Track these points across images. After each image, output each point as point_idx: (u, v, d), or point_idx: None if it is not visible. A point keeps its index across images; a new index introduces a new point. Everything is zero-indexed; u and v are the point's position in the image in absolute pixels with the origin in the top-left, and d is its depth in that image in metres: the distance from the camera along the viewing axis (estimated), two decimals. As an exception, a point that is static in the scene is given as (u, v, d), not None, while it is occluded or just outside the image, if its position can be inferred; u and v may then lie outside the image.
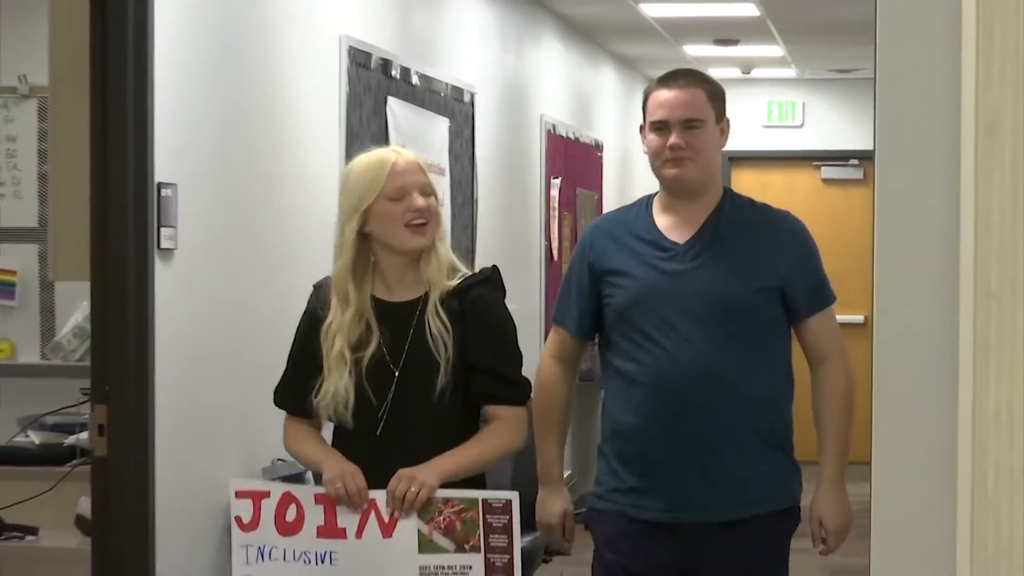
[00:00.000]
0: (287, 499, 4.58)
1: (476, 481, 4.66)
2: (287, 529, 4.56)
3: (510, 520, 4.45)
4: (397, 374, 4.61)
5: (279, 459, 6.07)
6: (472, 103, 9.92)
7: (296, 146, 6.92)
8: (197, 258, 5.95)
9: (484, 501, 4.48)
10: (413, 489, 4.44)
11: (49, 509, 6.12)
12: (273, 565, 4.57)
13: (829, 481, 4.78)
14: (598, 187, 13.05)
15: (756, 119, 15.83)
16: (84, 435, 6.16)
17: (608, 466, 4.83)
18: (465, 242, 9.73)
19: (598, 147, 13.22)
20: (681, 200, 4.79)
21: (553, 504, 4.91)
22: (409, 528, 4.47)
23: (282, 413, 4.87)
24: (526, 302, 10.66)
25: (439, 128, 9.26)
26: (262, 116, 6.71)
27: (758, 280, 4.72)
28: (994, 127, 2.78)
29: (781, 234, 4.83)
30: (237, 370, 6.16)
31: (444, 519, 4.46)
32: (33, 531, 6.10)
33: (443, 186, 9.29)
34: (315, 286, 4.82)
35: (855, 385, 4.77)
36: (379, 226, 4.62)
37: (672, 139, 4.71)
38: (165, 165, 5.71)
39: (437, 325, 4.59)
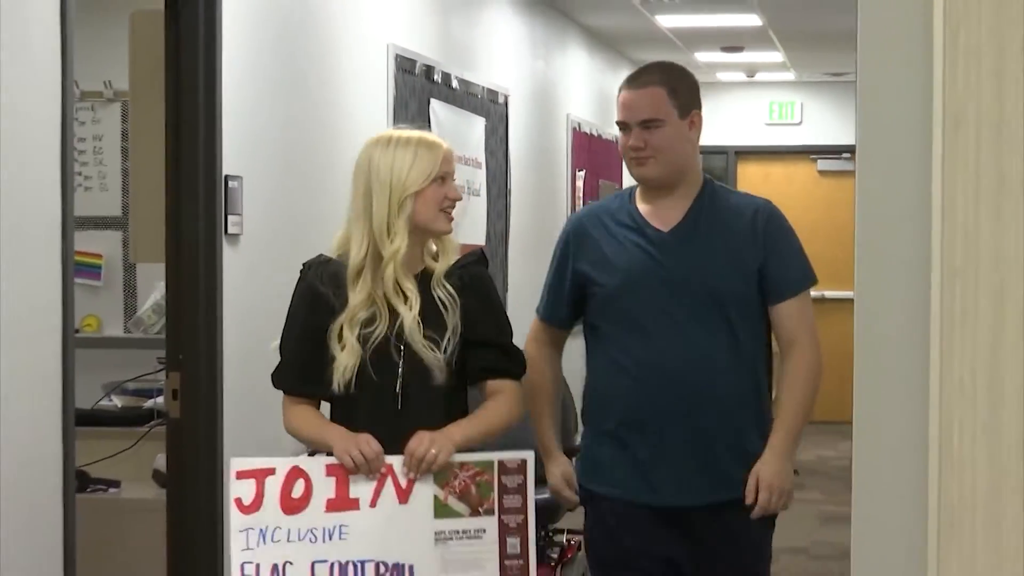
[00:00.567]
0: (294, 474, 4.02)
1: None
2: (292, 507, 4.00)
3: (524, 480, 4.05)
4: (404, 349, 4.10)
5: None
6: (506, 104, 9.92)
7: (348, 143, 6.90)
8: (260, 242, 5.96)
9: (500, 462, 4.05)
10: (433, 451, 3.98)
11: (129, 465, 6.15)
12: (276, 547, 3.99)
13: (774, 449, 4.29)
14: (618, 178, 13.06)
15: (759, 118, 15.78)
16: (160, 399, 6.20)
17: (594, 448, 4.46)
18: (500, 228, 9.72)
19: (617, 143, 13.20)
20: (658, 192, 4.41)
21: (555, 467, 4.46)
22: (425, 493, 4.01)
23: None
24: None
25: (476, 126, 9.25)
26: (318, 116, 6.72)
27: (740, 265, 4.33)
28: (959, 122, 2.77)
29: (759, 220, 4.38)
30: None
31: (459, 483, 4.01)
32: (115, 484, 6.13)
33: (480, 178, 9.29)
34: (309, 264, 4.29)
35: (821, 368, 4.36)
36: (423, 208, 4.15)
37: (632, 139, 4.36)
38: (232, 160, 5.73)
39: (445, 294, 4.14)
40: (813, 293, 4.44)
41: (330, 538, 3.99)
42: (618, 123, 4.43)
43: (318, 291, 4.18)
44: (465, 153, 8.94)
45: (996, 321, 2.76)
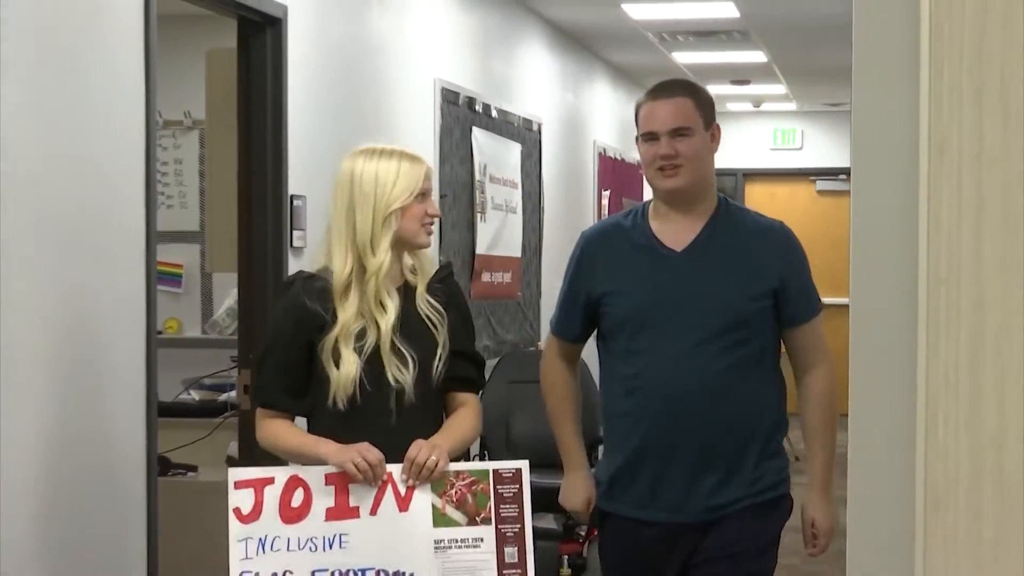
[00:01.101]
0: (293, 483, 3.61)
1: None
2: (292, 516, 3.60)
3: (520, 489, 3.67)
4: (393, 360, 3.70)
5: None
6: (539, 131, 9.91)
7: (399, 166, 6.93)
8: (321, 254, 5.96)
9: (495, 471, 3.68)
10: (433, 457, 3.60)
11: (206, 451, 6.15)
12: (276, 556, 3.58)
13: (819, 485, 3.94)
14: (639, 197, 13.04)
15: (764, 143, 15.75)
16: (233, 393, 6.21)
17: (607, 468, 4.02)
18: (534, 241, 9.72)
19: (638, 166, 13.20)
20: (676, 208, 3.95)
21: (580, 490, 4.07)
22: (424, 502, 3.62)
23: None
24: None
25: (513, 151, 9.25)
26: (372, 142, 6.71)
27: (754, 287, 3.89)
28: (944, 148, 2.76)
29: (775, 243, 3.97)
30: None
31: (456, 492, 3.63)
32: (193, 469, 6.14)
33: (516, 197, 9.29)
34: (291, 280, 3.87)
35: (838, 389, 3.90)
36: (408, 224, 3.74)
37: (662, 148, 3.89)
38: (296, 180, 5.74)
39: (431, 310, 3.76)
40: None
41: (330, 547, 3.60)
42: (644, 135, 3.96)
43: (306, 307, 3.72)
44: (503, 175, 8.94)
45: (976, 325, 2.76)
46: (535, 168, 9.79)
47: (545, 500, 4.31)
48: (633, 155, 12.86)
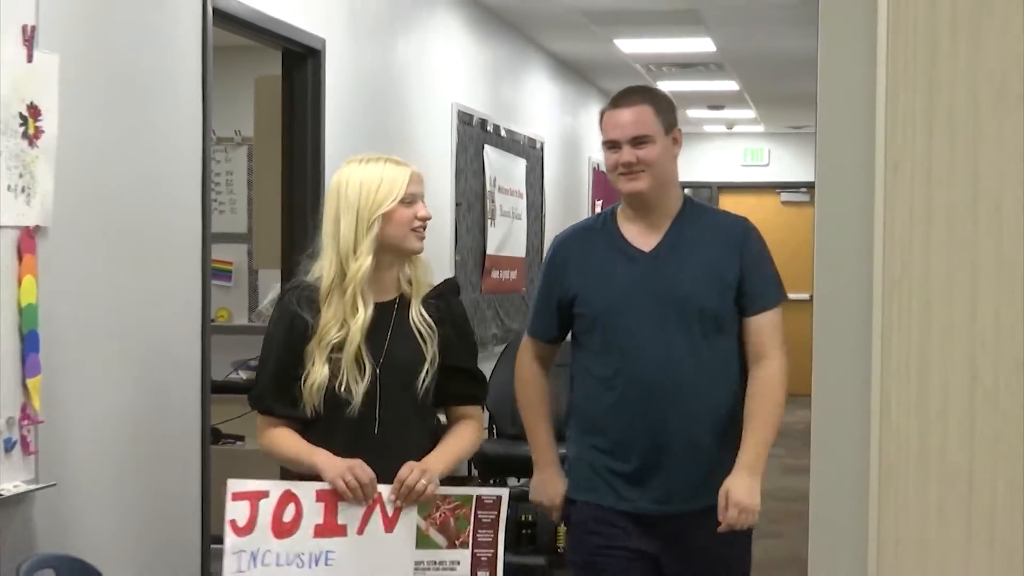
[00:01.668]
0: (286, 498, 3.28)
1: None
2: (283, 531, 3.27)
3: (497, 516, 3.36)
4: (378, 371, 3.36)
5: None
6: (542, 149, 9.91)
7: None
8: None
9: (478, 497, 3.37)
10: (423, 481, 3.28)
11: (251, 424, 6.11)
12: (265, 571, 3.26)
13: (744, 466, 3.52)
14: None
15: (736, 160, 15.72)
16: (276, 373, 6.20)
17: (581, 461, 3.67)
18: (536, 244, 9.72)
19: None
20: (641, 210, 3.66)
21: (553, 487, 3.72)
22: (409, 523, 3.30)
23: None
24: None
25: (519, 166, 9.25)
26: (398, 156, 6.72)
27: (719, 280, 3.59)
28: (898, 167, 2.75)
29: (734, 235, 3.65)
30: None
31: (440, 515, 3.33)
32: (241, 439, 6.16)
33: (522, 206, 9.29)
34: (286, 289, 3.56)
35: (786, 382, 3.60)
36: (393, 229, 3.38)
37: (624, 156, 3.61)
38: (332, 191, 5.73)
39: (423, 324, 3.41)
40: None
41: (316, 563, 3.27)
42: (606, 142, 3.67)
43: (296, 314, 3.39)
44: (511, 186, 8.95)
45: (925, 321, 2.76)
46: (538, 181, 9.79)
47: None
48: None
